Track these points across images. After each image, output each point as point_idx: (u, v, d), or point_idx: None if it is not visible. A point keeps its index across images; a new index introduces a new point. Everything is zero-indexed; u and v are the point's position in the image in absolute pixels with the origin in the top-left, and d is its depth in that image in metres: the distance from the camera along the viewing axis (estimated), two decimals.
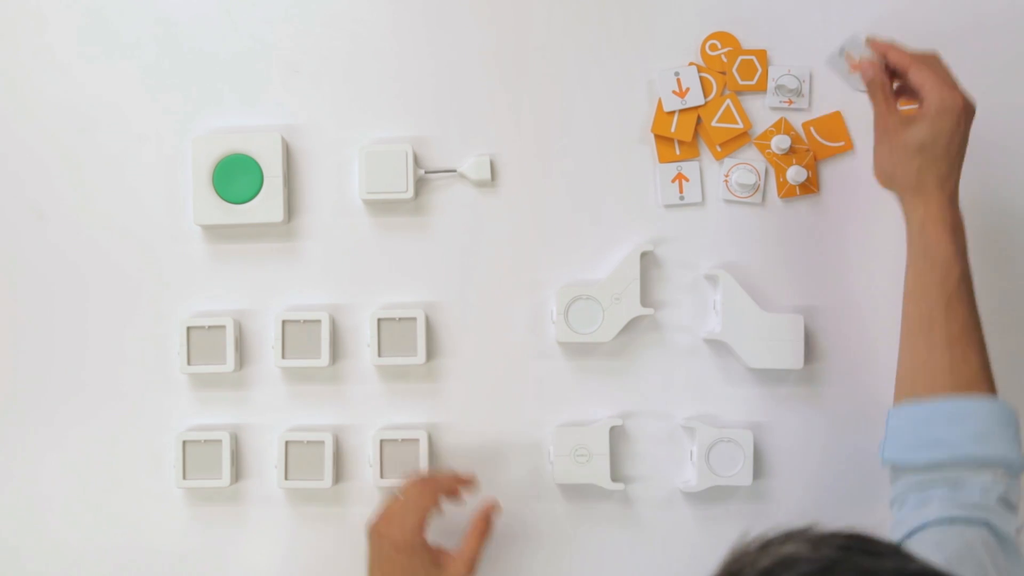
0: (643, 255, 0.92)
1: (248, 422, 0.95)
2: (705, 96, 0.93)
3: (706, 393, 0.94)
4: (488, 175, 0.93)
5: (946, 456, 0.71)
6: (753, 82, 0.93)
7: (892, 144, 0.76)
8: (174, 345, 0.93)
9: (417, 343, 0.92)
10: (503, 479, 0.94)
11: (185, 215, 0.94)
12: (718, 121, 0.93)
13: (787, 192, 0.93)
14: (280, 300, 0.94)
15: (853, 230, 0.93)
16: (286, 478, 0.92)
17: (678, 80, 0.93)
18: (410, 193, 0.92)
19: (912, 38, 0.93)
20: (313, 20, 0.95)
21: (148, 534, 0.95)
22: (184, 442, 0.92)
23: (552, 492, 0.94)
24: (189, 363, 0.92)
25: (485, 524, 0.86)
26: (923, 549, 0.59)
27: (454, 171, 0.93)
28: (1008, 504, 0.70)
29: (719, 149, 0.94)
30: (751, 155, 0.94)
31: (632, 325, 0.92)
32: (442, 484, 0.85)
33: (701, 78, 0.93)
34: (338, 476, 0.93)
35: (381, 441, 0.91)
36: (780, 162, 0.93)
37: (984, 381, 0.73)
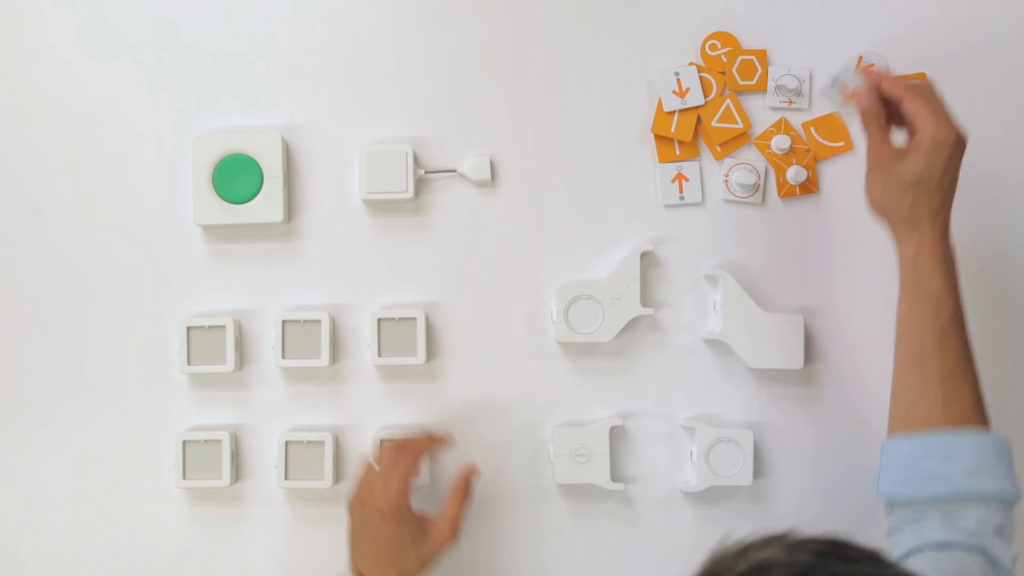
0: (643, 255, 0.92)
1: (248, 422, 0.95)
2: (705, 96, 0.93)
3: (706, 393, 0.94)
4: (488, 175, 0.93)
5: (941, 491, 0.71)
6: (753, 82, 0.93)
7: (885, 177, 0.75)
8: (174, 345, 0.93)
9: (417, 343, 0.92)
10: (503, 479, 0.94)
11: (185, 215, 0.94)
12: (718, 121, 0.93)
13: (787, 192, 0.93)
14: (280, 300, 0.94)
15: (853, 230, 0.93)
16: (286, 478, 0.92)
17: (678, 80, 0.93)
18: (410, 193, 0.92)
19: (911, 38, 0.93)
20: (313, 20, 0.95)
21: (148, 534, 0.95)
22: (184, 442, 0.92)
23: (552, 492, 0.94)
24: (189, 363, 0.92)
25: (465, 487, 0.86)
26: (918, 570, 0.59)
27: (454, 171, 0.93)
28: (1004, 534, 0.70)
29: (719, 149, 0.94)
30: (751, 155, 0.94)
31: (632, 325, 0.92)
32: (419, 446, 0.85)
33: (701, 78, 0.93)
34: (338, 476, 0.93)
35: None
36: (780, 162, 0.93)
37: (978, 414, 0.73)
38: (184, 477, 0.92)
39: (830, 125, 0.93)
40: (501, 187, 0.94)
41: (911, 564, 0.69)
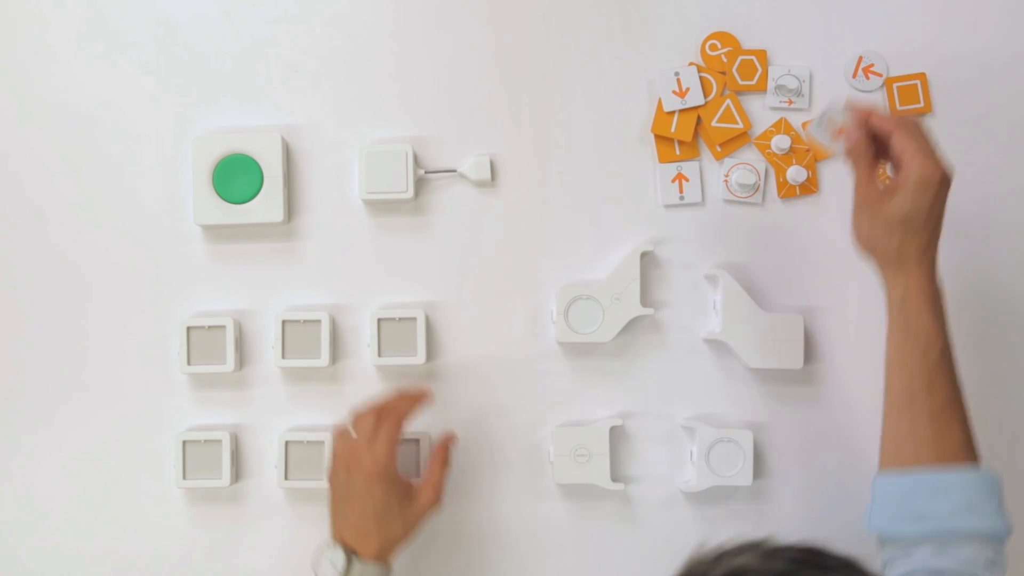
0: (643, 255, 0.92)
1: (248, 422, 0.95)
2: (705, 96, 0.93)
3: (706, 393, 0.94)
4: (488, 175, 0.93)
5: (932, 529, 0.71)
6: (753, 82, 0.93)
7: (872, 216, 0.75)
8: (174, 345, 0.93)
9: (417, 343, 0.92)
10: (503, 479, 0.94)
11: (185, 215, 0.94)
12: (718, 121, 0.93)
13: (787, 192, 0.93)
14: (280, 300, 0.94)
15: None
16: (286, 478, 0.92)
17: (678, 80, 0.93)
18: (410, 193, 0.92)
19: (911, 38, 0.94)
20: (313, 20, 0.95)
21: (148, 534, 0.95)
22: (184, 442, 0.92)
23: (552, 492, 0.94)
24: (189, 363, 0.92)
25: (445, 454, 0.88)
26: None
27: (454, 171, 0.93)
28: (995, 566, 0.70)
29: (719, 149, 0.94)
30: (751, 155, 0.94)
31: (632, 325, 0.92)
32: (400, 408, 0.85)
33: (701, 78, 0.93)
34: None
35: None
36: (780, 162, 0.93)
37: (967, 451, 0.73)
38: (184, 477, 0.92)
39: None
40: (501, 187, 0.94)
41: None
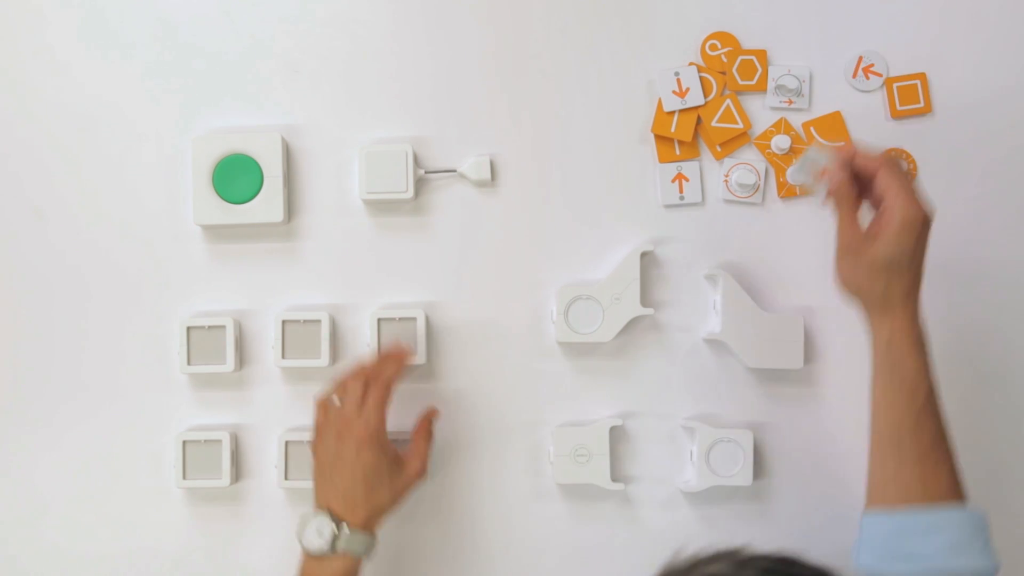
0: (643, 255, 0.92)
1: (248, 422, 0.95)
2: (705, 96, 0.93)
3: (706, 393, 0.94)
4: (488, 175, 0.93)
5: (920, 569, 0.71)
6: (753, 82, 0.93)
7: (856, 260, 0.74)
8: (174, 345, 0.93)
9: (417, 343, 0.92)
10: (503, 479, 0.94)
11: (185, 215, 0.94)
12: (718, 121, 0.93)
13: (787, 192, 0.93)
14: (280, 300, 0.94)
15: None
16: (286, 478, 0.92)
17: (678, 80, 0.93)
18: (410, 193, 0.92)
19: (911, 38, 0.94)
20: (313, 20, 0.95)
21: (148, 534, 0.95)
22: (184, 442, 0.92)
23: (552, 492, 0.94)
24: (189, 363, 0.92)
25: (428, 427, 0.89)
26: None
27: (454, 171, 0.93)
28: None
29: (719, 149, 0.94)
30: (751, 155, 0.94)
31: (632, 325, 0.92)
32: (387, 374, 0.85)
33: (701, 78, 0.93)
34: None
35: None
36: (780, 162, 0.93)
37: (955, 491, 0.74)
38: (184, 477, 0.92)
39: (830, 125, 0.93)
40: (501, 187, 0.94)
41: None
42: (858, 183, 0.75)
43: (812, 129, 0.93)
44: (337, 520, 0.80)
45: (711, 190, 0.94)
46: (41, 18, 0.96)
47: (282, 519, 0.94)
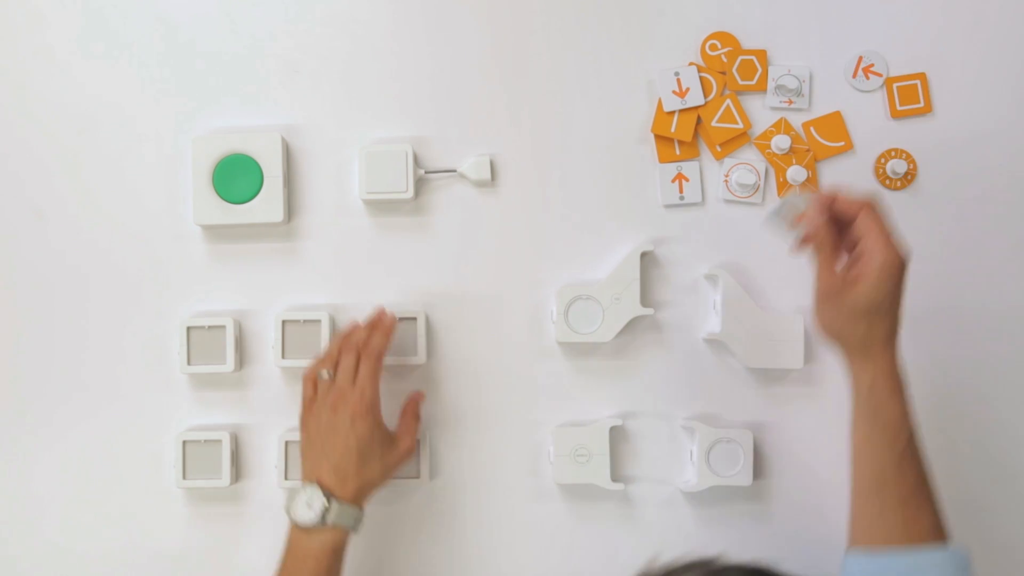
0: (643, 255, 0.92)
1: (248, 422, 0.95)
2: (705, 96, 0.93)
3: (706, 393, 0.94)
4: (488, 175, 0.93)
5: None
6: (753, 82, 0.93)
7: (837, 305, 0.74)
8: (174, 345, 0.93)
9: (417, 343, 0.92)
10: (503, 479, 0.94)
11: (185, 215, 0.94)
12: (718, 121, 0.93)
13: (787, 192, 0.93)
14: (280, 300, 0.94)
15: None
16: (286, 478, 0.92)
17: (678, 80, 0.93)
18: (410, 193, 0.92)
19: (911, 38, 0.93)
20: (313, 20, 0.95)
21: (148, 534, 0.95)
22: (184, 442, 0.92)
23: (552, 492, 0.94)
24: (189, 363, 0.92)
25: (415, 408, 0.90)
26: None
27: (454, 171, 0.93)
28: None
29: (719, 149, 0.94)
30: (751, 155, 0.94)
31: (632, 325, 0.92)
32: (375, 344, 0.86)
33: (701, 78, 0.93)
34: None
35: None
36: (780, 162, 0.93)
37: (938, 533, 0.73)
38: (184, 477, 0.92)
39: (830, 125, 0.93)
40: (501, 187, 0.94)
41: None
42: (835, 227, 0.75)
43: (812, 129, 0.93)
44: (327, 493, 0.80)
45: (711, 190, 0.94)
46: (41, 18, 0.96)
47: (282, 519, 0.94)
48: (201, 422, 0.95)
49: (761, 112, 0.94)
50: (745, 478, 0.90)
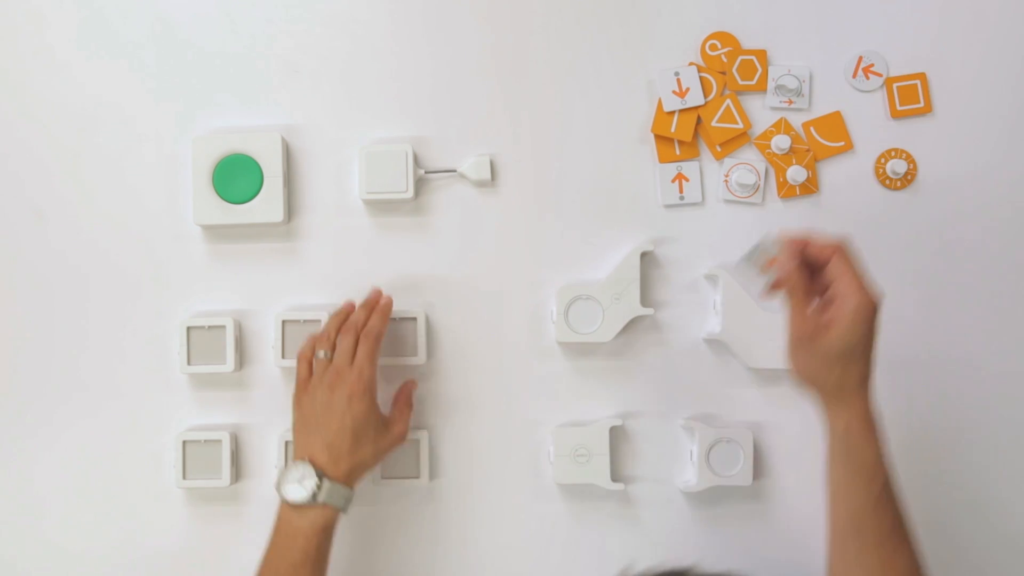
0: (643, 255, 0.92)
1: (248, 422, 0.95)
2: (705, 96, 0.93)
3: (706, 393, 0.94)
4: (488, 175, 0.93)
5: None
6: (753, 82, 0.93)
7: (811, 350, 0.74)
8: (174, 345, 0.93)
9: (417, 343, 0.92)
10: (503, 479, 0.94)
11: (185, 215, 0.94)
12: (718, 121, 0.93)
13: (787, 192, 0.93)
14: (280, 300, 0.94)
15: (853, 230, 0.93)
16: None
17: (678, 80, 0.93)
18: (410, 193, 0.92)
19: (911, 38, 0.93)
20: (313, 20, 0.95)
21: (148, 534, 0.95)
22: (184, 442, 0.92)
23: (552, 492, 0.94)
24: (189, 363, 0.92)
25: (408, 396, 0.91)
26: None
27: (454, 171, 0.93)
28: None
29: (719, 149, 0.94)
30: (751, 155, 0.94)
31: (632, 325, 0.92)
32: (373, 325, 0.86)
33: (701, 78, 0.93)
34: None
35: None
36: (780, 162, 0.93)
37: (915, 573, 0.73)
38: (184, 477, 0.92)
39: (830, 125, 0.93)
40: (501, 187, 0.94)
41: None
42: (807, 271, 0.75)
43: (812, 129, 0.93)
44: (319, 472, 0.81)
45: (711, 190, 0.94)
46: (41, 18, 0.96)
47: None
48: (201, 422, 0.94)
49: (761, 112, 0.94)
50: (745, 478, 0.90)
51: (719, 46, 0.94)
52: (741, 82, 0.93)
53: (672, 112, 0.93)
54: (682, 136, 0.93)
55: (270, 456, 0.94)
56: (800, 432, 0.93)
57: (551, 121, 0.94)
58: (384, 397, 0.91)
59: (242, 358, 0.94)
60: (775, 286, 0.76)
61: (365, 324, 0.87)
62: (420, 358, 0.92)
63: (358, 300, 0.92)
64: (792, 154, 0.93)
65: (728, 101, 0.93)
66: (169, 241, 0.95)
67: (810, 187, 0.93)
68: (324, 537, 0.81)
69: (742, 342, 0.90)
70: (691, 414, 0.93)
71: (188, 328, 0.92)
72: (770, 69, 0.93)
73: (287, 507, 0.81)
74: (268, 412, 0.94)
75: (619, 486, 0.91)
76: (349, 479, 0.82)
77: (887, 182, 0.93)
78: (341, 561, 0.92)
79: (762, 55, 0.93)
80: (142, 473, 0.94)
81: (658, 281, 0.94)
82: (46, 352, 0.95)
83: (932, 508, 0.89)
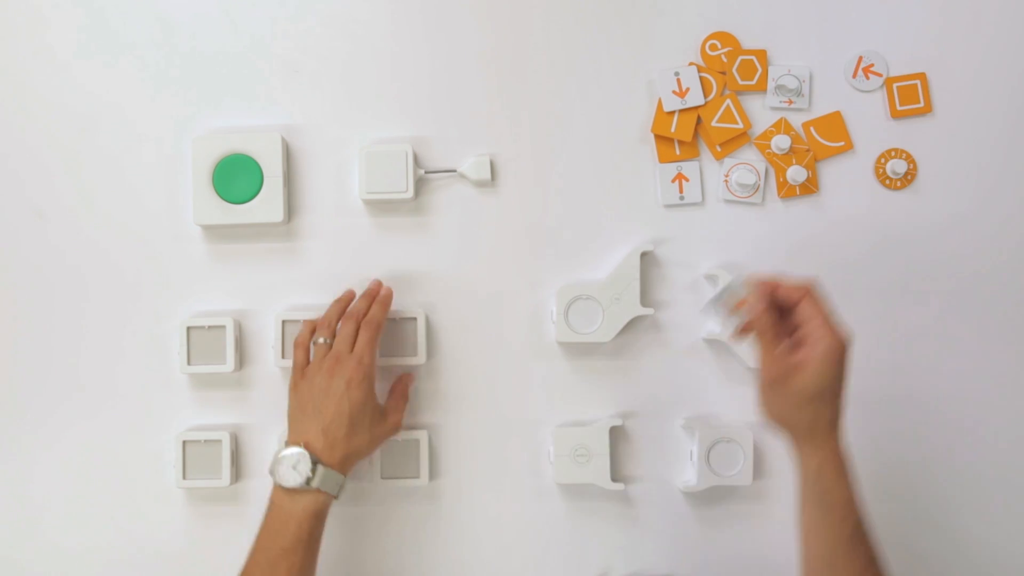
0: (643, 255, 0.92)
1: (248, 422, 0.95)
2: (705, 96, 0.93)
3: (706, 393, 0.94)
4: (488, 175, 0.93)
5: None
6: (753, 82, 0.93)
7: (783, 393, 0.74)
8: (174, 345, 0.93)
9: (417, 343, 0.92)
10: (503, 479, 0.94)
11: (185, 215, 0.94)
12: (718, 121, 0.93)
13: (787, 192, 0.93)
14: (280, 300, 0.94)
15: (853, 230, 0.93)
16: None
17: (678, 80, 0.93)
18: (410, 193, 0.92)
19: (911, 38, 0.93)
20: (313, 20, 0.95)
21: (148, 534, 0.95)
22: (184, 442, 0.92)
23: (552, 492, 0.94)
24: (189, 363, 0.92)
25: (404, 389, 0.91)
26: None
27: (454, 171, 0.93)
28: None
29: (719, 149, 0.94)
30: (751, 155, 0.94)
31: (632, 325, 0.92)
32: (376, 318, 0.87)
33: (701, 78, 0.93)
34: None
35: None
36: (780, 162, 0.93)
37: None
38: (184, 477, 0.92)
39: (830, 125, 0.93)
40: (501, 187, 0.94)
41: None
42: (775, 313, 0.75)
43: (812, 129, 0.93)
44: (313, 457, 0.81)
45: (711, 190, 0.94)
46: (41, 18, 0.96)
47: None
48: (201, 422, 0.95)
49: (761, 112, 0.94)
50: (745, 478, 0.90)
51: (719, 46, 0.94)
52: (741, 82, 0.93)
53: (672, 112, 0.93)
54: (682, 136, 0.93)
55: (270, 456, 0.93)
56: None
57: (551, 121, 0.94)
58: (382, 394, 0.91)
59: (242, 358, 0.94)
60: (745, 329, 0.77)
61: (366, 314, 0.87)
62: (420, 358, 0.92)
63: (359, 292, 0.93)
64: (792, 154, 0.93)
65: (728, 101, 0.93)
66: (169, 241, 0.95)
67: (810, 187, 0.93)
68: (316, 522, 0.81)
69: (742, 342, 0.90)
70: (691, 414, 0.93)
71: (188, 328, 0.92)
72: (770, 69, 0.93)
73: (280, 491, 0.81)
74: (268, 412, 0.94)
75: (619, 486, 0.91)
76: (343, 466, 0.82)
77: (887, 182, 0.93)
78: (341, 561, 0.92)
79: (762, 55, 0.93)
80: (142, 473, 0.94)
81: (658, 281, 0.94)
82: (46, 352, 0.95)
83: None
